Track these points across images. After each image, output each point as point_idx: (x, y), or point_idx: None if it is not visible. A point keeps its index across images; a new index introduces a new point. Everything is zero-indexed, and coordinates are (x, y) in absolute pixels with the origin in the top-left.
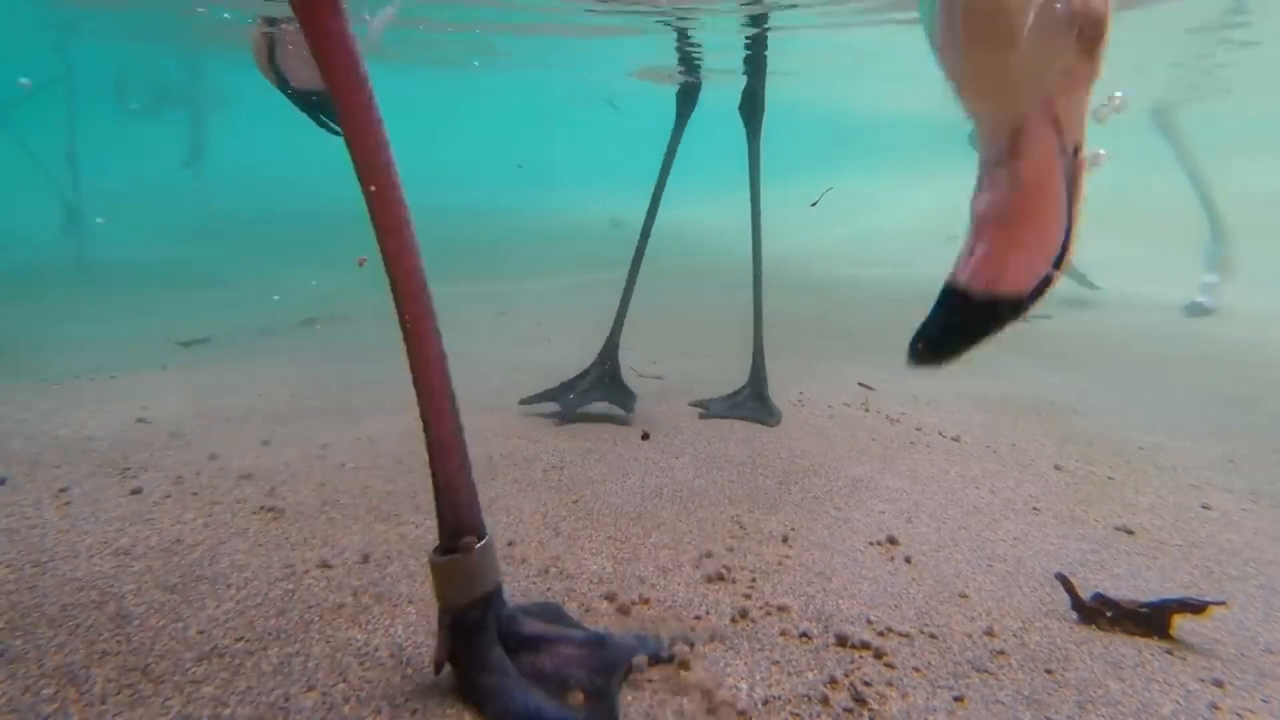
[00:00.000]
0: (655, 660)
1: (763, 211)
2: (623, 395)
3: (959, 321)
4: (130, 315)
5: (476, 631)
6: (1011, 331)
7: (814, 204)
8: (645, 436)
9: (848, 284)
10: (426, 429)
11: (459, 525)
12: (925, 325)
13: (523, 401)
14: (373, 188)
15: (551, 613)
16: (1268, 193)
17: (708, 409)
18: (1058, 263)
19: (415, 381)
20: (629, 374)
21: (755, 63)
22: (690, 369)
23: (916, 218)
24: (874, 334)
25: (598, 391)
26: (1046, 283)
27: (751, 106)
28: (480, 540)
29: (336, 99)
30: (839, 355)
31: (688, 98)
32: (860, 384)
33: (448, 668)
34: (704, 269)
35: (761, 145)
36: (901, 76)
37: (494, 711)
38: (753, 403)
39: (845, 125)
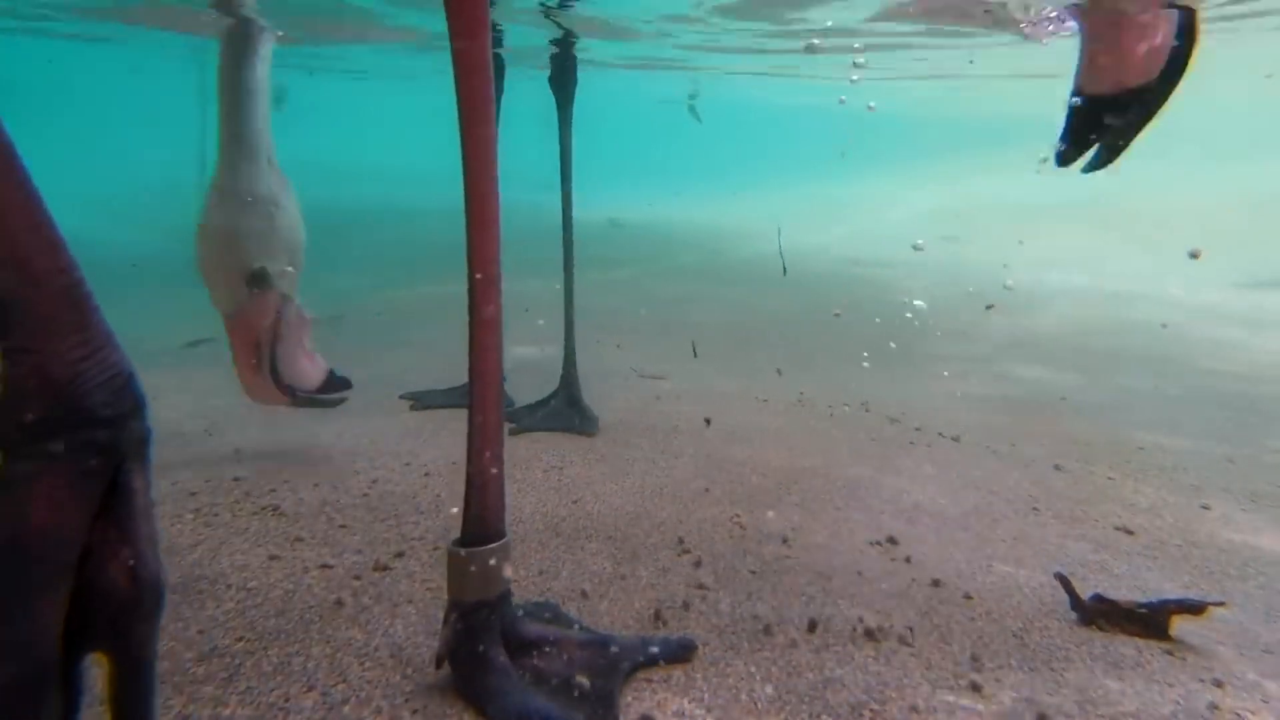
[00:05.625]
0: (657, 662)
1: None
2: (583, 419)
3: (1089, 121)
4: (135, 315)
5: (481, 632)
6: (1013, 333)
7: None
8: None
9: (848, 283)
10: (472, 422)
11: (484, 521)
12: (1063, 134)
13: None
14: (473, 190)
15: (551, 612)
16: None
17: (517, 422)
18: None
19: (472, 376)
20: (628, 375)
21: (564, 34)
22: (690, 371)
23: (915, 217)
24: (874, 334)
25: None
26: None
27: (562, 78)
28: (500, 540)
29: (464, 96)
30: (840, 355)
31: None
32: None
33: (446, 667)
34: (701, 268)
35: (572, 120)
36: (900, 76)
37: (495, 713)
38: (568, 410)
39: (846, 126)
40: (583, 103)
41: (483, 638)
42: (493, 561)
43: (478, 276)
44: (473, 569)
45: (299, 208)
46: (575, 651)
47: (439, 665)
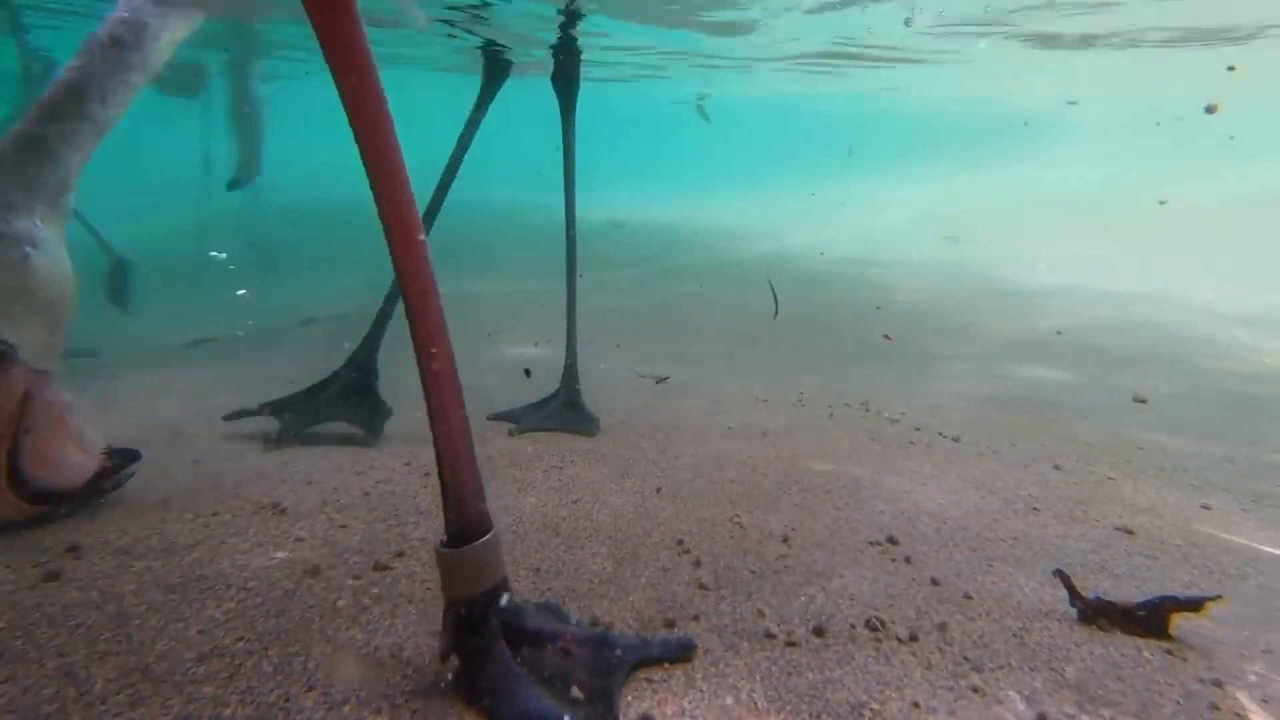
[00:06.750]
0: (657, 662)
1: (576, 194)
2: (583, 420)
3: None
4: (135, 314)
5: (480, 624)
6: (1013, 333)
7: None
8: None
9: (850, 283)
10: (434, 424)
11: (465, 520)
12: None
13: (490, 417)
14: (381, 189)
15: (552, 611)
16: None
17: (517, 422)
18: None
19: (423, 376)
20: (629, 375)
21: (568, 34)
22: (690, 371)
23: (915, 218)
24: (873, 334)
25: (555, 419)
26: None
27: (566, 77)
28: (486, 535)
29: (347, 91)
30: (840, 355)
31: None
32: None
33: (450, 668)
34: (701, 269)
35: (574, 121)
36: (900, 76)
37: (496, 710)
38: (567, 412)
39: (849, 126)
40: (586, 103)
41: (482, 631)
42: (480, 557)
43: (412, 287)
44: (461, 567)
45: (67, 259)
46: (575, 649)
47: (443, 662)
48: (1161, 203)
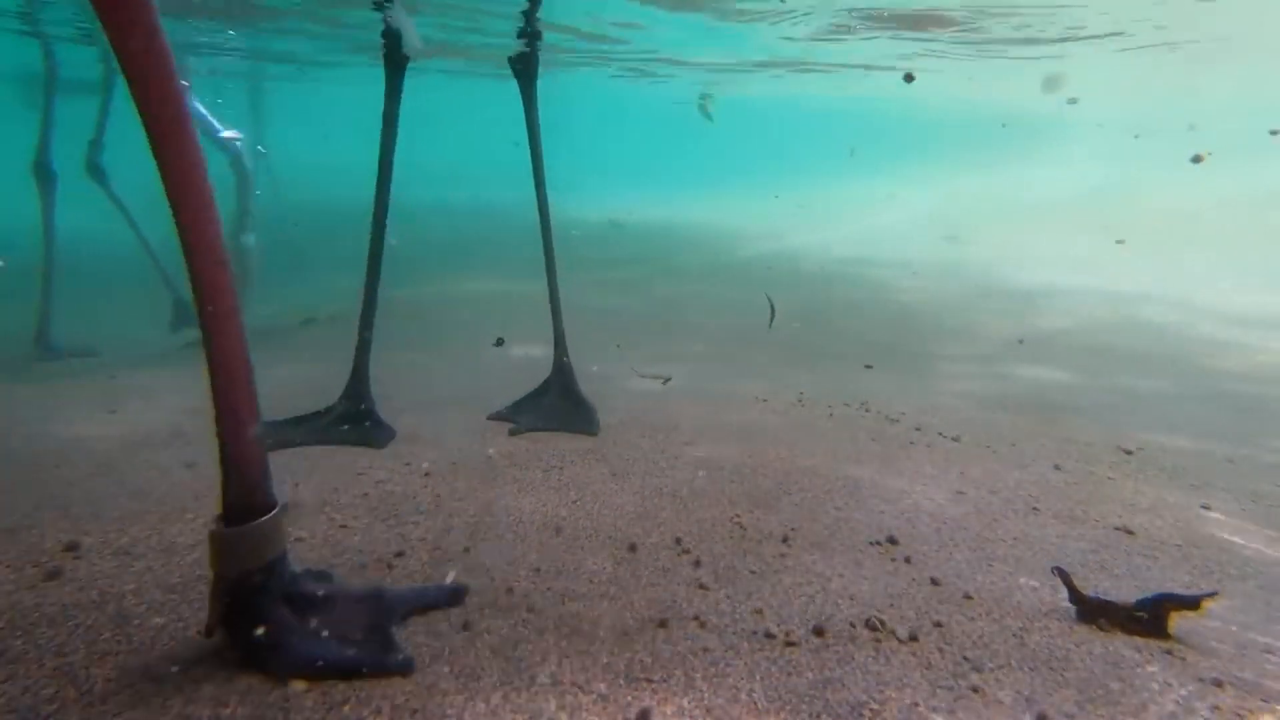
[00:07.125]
0: (434, 606)
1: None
2: (583, 418)
3: None
4: (136, 315)
5: (258, 593)
6: (1013, 333)
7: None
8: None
9: (850, 283)
10: (220, 406)
11: (248, 498)
12: None
13: (491, 416)
14: (164, 142)
15: (323, 577)
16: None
17: (516, 421)
18: None
19: (211, 363)
20: (629, 375)
21: (530, 18)
22: (690, 370)
23: (914, 218)
24: (874, 334)
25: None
26: None
27: (525, 61)
28: (269, 512)
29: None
30: (840, 355)
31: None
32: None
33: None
34: (702, 269)
35: (536, 101)
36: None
37: (278, 666)
38: (565, 404)
39: (848, 125)
40: (584, 104)
41: (259, 599)
42: (263, 533)
43: (203, 276)
44: (239, 546)
45: None
46: (354, 604)
47: (209, 635)
48: (1119, 242)
